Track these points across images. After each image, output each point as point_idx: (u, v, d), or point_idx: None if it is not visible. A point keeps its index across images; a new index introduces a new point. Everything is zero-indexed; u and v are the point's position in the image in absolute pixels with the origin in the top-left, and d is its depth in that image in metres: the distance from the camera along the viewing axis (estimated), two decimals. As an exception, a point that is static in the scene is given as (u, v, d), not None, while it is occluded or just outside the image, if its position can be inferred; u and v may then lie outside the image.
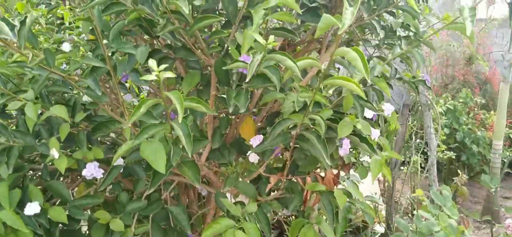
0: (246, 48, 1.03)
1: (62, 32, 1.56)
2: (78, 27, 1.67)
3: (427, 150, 3.56)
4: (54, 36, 1.63)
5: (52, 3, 1.67)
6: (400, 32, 1.59)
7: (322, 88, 1.33)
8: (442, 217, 1.43)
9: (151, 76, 0.80)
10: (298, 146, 1.24)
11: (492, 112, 4.71)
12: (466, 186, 4.90)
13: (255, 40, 0.93)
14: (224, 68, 1.03)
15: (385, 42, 1.66)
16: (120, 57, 1.27)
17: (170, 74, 0.81)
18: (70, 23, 1.73)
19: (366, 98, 1.22)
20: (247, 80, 0.94)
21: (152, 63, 0.81)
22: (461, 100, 4.64)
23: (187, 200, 1.73)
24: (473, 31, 0.89)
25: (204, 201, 1.81)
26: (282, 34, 1.17)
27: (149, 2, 0.99)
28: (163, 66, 0.80)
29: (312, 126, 1.12)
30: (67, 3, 1.55)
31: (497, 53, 4.92)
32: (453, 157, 4.40)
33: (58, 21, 1.83)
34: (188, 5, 0.99)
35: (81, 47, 1.59)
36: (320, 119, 1.03)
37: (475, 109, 4.72)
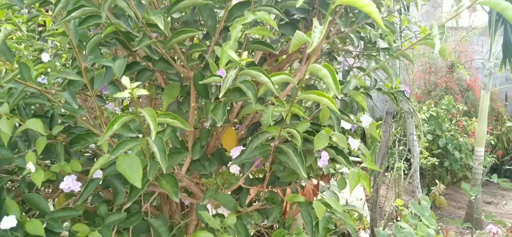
0: (224, 63, 1.04)
1: (44, 39, 1.55)
2: (60, 34, 1.66)
3: (410, 157, 3.61)
4: (35, 43, 1.62)
5: (34, 11, 1.66)
6: (380, 44, 1.62)
7: (302, 101, 1.34)
8: (420, 227, 1.45)
9: (125, 94, 0.80)
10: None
11: (474, 119, 4.80)
12: (449, 192, 4.97)
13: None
14: (201, 82, 1.04)
15: (365, 53, 1.69)
16: (102, 68, 1.27)
17: (144, 92, 0.81)
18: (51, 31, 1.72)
19: (342, 111, 1.23)
20: (220, 95, 0.95)
21: (125, 80, 0.81)
22: (443, 107, 4.72)
23: (170, 210, 1.73)
24: (444, 47, 0.91)
25: (188, 210, 1.81)
26: (261, 48, 1.18)
27: (125, 17, 0.99)
28: (136, 84, 0.81)
29: (290, 138, 1.13)
30: (50, 11, 1.55)
31: (479, 61, 5.02)
32: (436, 163, 4.47)
33: (40, 29, 1.82)
34: (167, 18, 0.99)
35: (64, 55, 1.58)
36: (296, 132, 1.04)
37: (458, 116, 4.80)
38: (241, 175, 1.40)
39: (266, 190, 1.31)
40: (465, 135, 4.62)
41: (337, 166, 1.39)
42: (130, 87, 0.79)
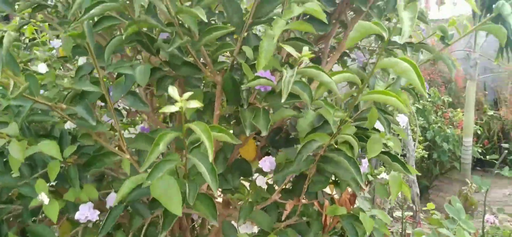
0: (263, 63, 0.91)
1: (33, 49, 1.37)
2: (44, 43, 1.49)
3: (406, 151, 3.57)
4: (21, 54, 1.44)
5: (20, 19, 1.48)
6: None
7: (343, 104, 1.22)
8: (460, 232, 1.36)
9: (174, 107, 0.66)
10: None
11: (458, 109, 4.84)
12: (436, 183, 5.00)
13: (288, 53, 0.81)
14: (243, 87, 0.90)
15: (388, 48, 1.59)
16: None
17: (196, 104, 0.67)
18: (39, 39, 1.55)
19: (385, 111, 1.13)
20: (282, 100, 0.82)
21: (172, 91, 0.66)
22: (429, 99, 4.73)
23: (180, 228, 1.58)
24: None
25: (200, 225, 1.67)
26: (297, 45, 1.05)
27: (154, 12, 0.85)
28: (187, 94, 0.67)
29: (335, 146, 1.01)
30: (40, 18, 1.36)
31: (460, 52, 5.07)
32: (425, 155, 4.47)
33: (24, 38, 1.64)
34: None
35: (53, 67, 1.41)
36: (352, 139, 0.92)
37: (443, 107, 4.83)
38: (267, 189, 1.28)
39: (302, 202, 1.18)
40: (451, 126, 4.65)
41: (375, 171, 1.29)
42: (181, 99, 0.65)
